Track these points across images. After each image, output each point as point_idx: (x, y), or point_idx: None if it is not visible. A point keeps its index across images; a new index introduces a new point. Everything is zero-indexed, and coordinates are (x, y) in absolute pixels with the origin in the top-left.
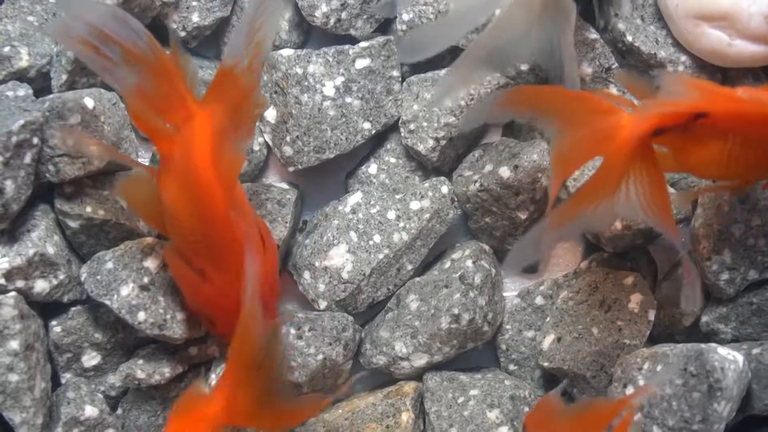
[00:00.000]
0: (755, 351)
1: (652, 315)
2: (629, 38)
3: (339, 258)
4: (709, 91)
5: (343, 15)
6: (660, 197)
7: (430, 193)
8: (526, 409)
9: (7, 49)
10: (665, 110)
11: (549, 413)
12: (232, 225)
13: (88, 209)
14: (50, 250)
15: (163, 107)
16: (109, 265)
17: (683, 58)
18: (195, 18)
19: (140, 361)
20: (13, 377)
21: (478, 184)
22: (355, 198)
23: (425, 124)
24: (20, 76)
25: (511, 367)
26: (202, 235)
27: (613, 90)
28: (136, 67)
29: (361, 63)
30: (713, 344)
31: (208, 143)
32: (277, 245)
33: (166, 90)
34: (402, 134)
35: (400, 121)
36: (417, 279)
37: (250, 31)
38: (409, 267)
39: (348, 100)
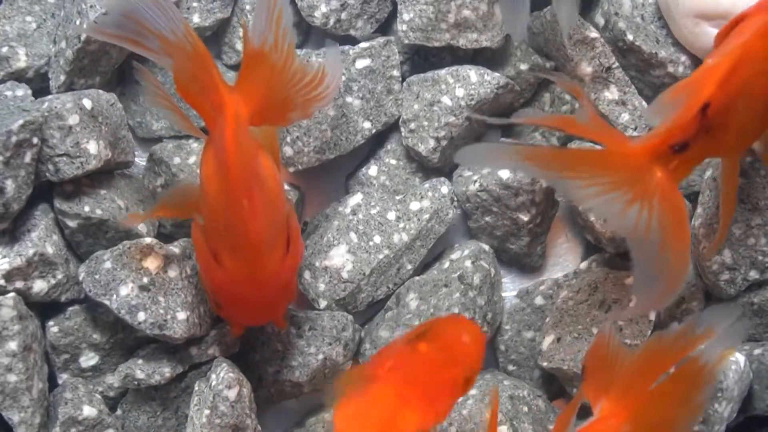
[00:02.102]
0: (757, 351)
1: (652, 315)
2: (630, 37)
3: (339, 258)
4: (692, 83)
5: (343, 15)
6: (673, 230)
7: (429, 194)
8: (525, 408)
9: (5, 49)
10: (666, 125)
11: (608, 349)
12: (245, 220)
13: (86, 208)
14: (49, 249)
15: (201, 91)
16: (108, 264)
17: (683, 57)
18: (196, 19)
19: (140, 361)
20: (12, 378)
21: (477, 185)
22: (355, 199)
23: (426, 123)
24: (18, 76)
25: (510, 367)
26: (222, 218)
27: (614, 91)
28: (174, 55)
29: (362, 63)
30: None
31: (233, 134)
32: (302, 251)
33: (202, 77)
34: (402, 134)
35: (400, 120)
36: (417, 278)
37: (269, 9)
38: (409, 267)
39: (348, 99)
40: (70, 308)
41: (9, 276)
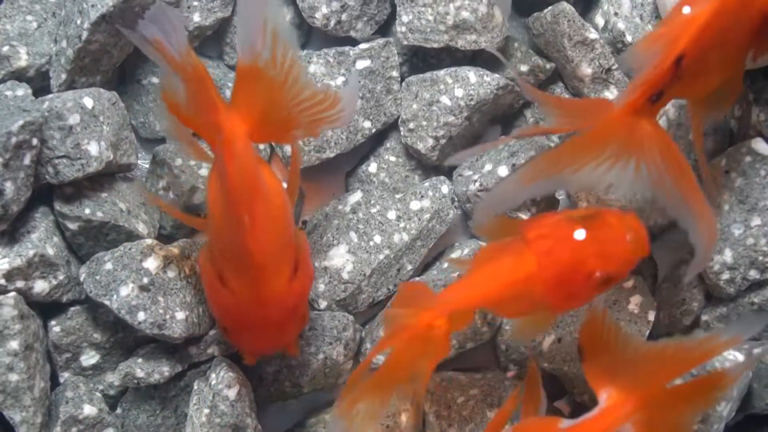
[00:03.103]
0: (756, 351)
1: (651, 316)
2: (628, 38)
3: (339, 258)
4: (668, 33)
5: (344, 17)
6: (678, 171)
7: (430, 193)
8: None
9: (6, 48)
10: (644, 78)
11: (602, 327)
12: (246, 237)
13: (87, 211)
14: (50, 251)
15: (201, 113)
16: (108, 265)
17: None
18: (196, 18)
19: (139, 360)
20: (13, 377)
21: (477, 184)
22: (355, 197)
23: (425, 123)
24: (19, 75)
25: (511, 367)
26: (225, 237)
27: (614, 91)
28: (176, 74)
29: (362, 64)
30: None
31: (232, 152)
32: (312, 275)
33: (201, 96)
34: (402, 133)
35: (399, 120)
36: (417, 279)
37: (257, 24)
38: (409, 267)
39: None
40: (72, 308)
41: (9, 276)
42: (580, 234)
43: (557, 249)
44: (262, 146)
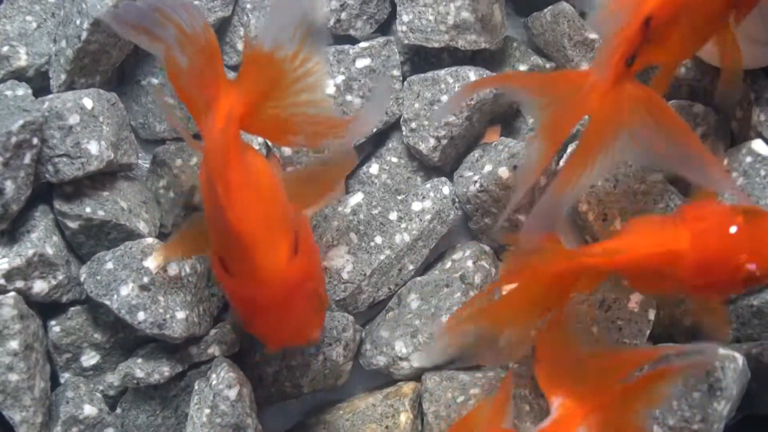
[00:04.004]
0: (755, 351)
1: (652, 314)
2: None
3: (339, 259)
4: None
5: (343, 15)
6: (672, 125)
7: (431, 194)
8: (527, 408)
9: (5, 48)
10: (617, 41)
11: (562, 333)
12: (233, 214)
13: (88, 210)
14: (49, 250)
15: (202, 85)
16: (109, 265)
17: None
18: None
19: (139, 360)
20: (13, 377)
21: (478, 185)
22: (355, 199)
23: (426, 122)
24: (18, 75)
25: (512, 365)
26: (214, 221)
27: None
28: (187, 47)
29: (362, 62)
30: (713, 344)
31: (220, 127)
32: (318, 256)
33: (207, 68)
34: (403, 133)
35: (401, 119)
36: (418, 279)
37: (293, 15)
38: (411, 267)
39: (349, 98)
40: (72, 308)
41: (9, 276)
42: (738, 225)
43: (713, 233)
44: (256, 146)
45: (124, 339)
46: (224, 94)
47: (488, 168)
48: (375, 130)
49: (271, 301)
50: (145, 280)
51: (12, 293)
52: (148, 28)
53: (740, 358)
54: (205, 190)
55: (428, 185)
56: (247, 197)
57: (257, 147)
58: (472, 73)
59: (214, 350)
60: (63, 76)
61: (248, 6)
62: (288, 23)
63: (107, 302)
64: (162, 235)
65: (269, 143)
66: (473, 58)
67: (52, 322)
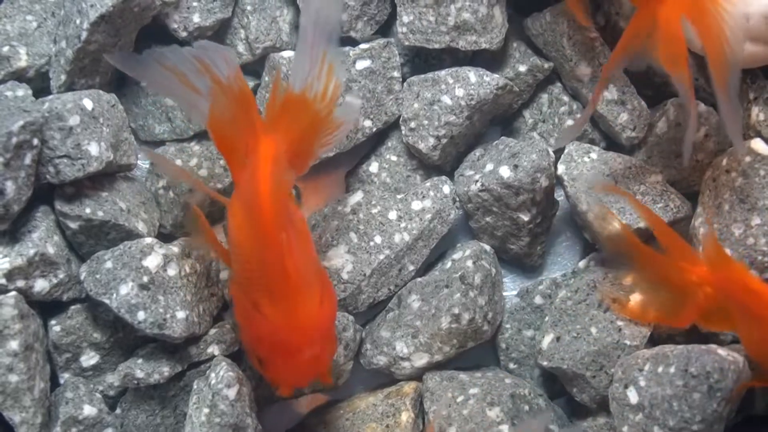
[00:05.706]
0: None
1: None
2: None
3: (338, 259)
4: None
5: (344, 17)
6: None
7: (431, 193)
8: (526, 407)
9: (6, 48)
10: None
11: None
12: (284, 257)
13: (87, 210)
14: (50, 249)
15: (238, 135)
16: (108, 264)
17: None
18: (196, 18)
19: (139, 361)
20: (13, 377)
21: (479, 184)
22: (355, 198)
23: (426, 122)
24: (19, 76)
25: (511, 365)
26: (258, 264)
27: (613, 91)
28: (221, 96)
29: (362, 64)
30: (713, 345)
31: (269, 172)
32: (336, 300)
33: (242, 118)
34: (403, 132)
35: (400, 119)
36: (419, 279)
37: (315, 56)
38: (411, 267)
39: (349, 98)
40: (72, 307)
41: (10, 275)
42: None
43: None
44: None
45: (124, 339)
46: (264, 141)
47: (489, 167)
48: (375, 129)
49: (301, 346)
50: (145, 279)
51: (13, 293)
52: (185, 76)
53: (740, 359)
54: (240, 229)
55: (428, 184)
56: (301, 249)
57: None
58: (471, 74)
59: (213, 350)
60: (63, 77)
61: (248, 8)
62: (314, 60)
63: (107, 301)
64: (161, 235)
65: None
66: (473, 58)
67: (53, 322)
